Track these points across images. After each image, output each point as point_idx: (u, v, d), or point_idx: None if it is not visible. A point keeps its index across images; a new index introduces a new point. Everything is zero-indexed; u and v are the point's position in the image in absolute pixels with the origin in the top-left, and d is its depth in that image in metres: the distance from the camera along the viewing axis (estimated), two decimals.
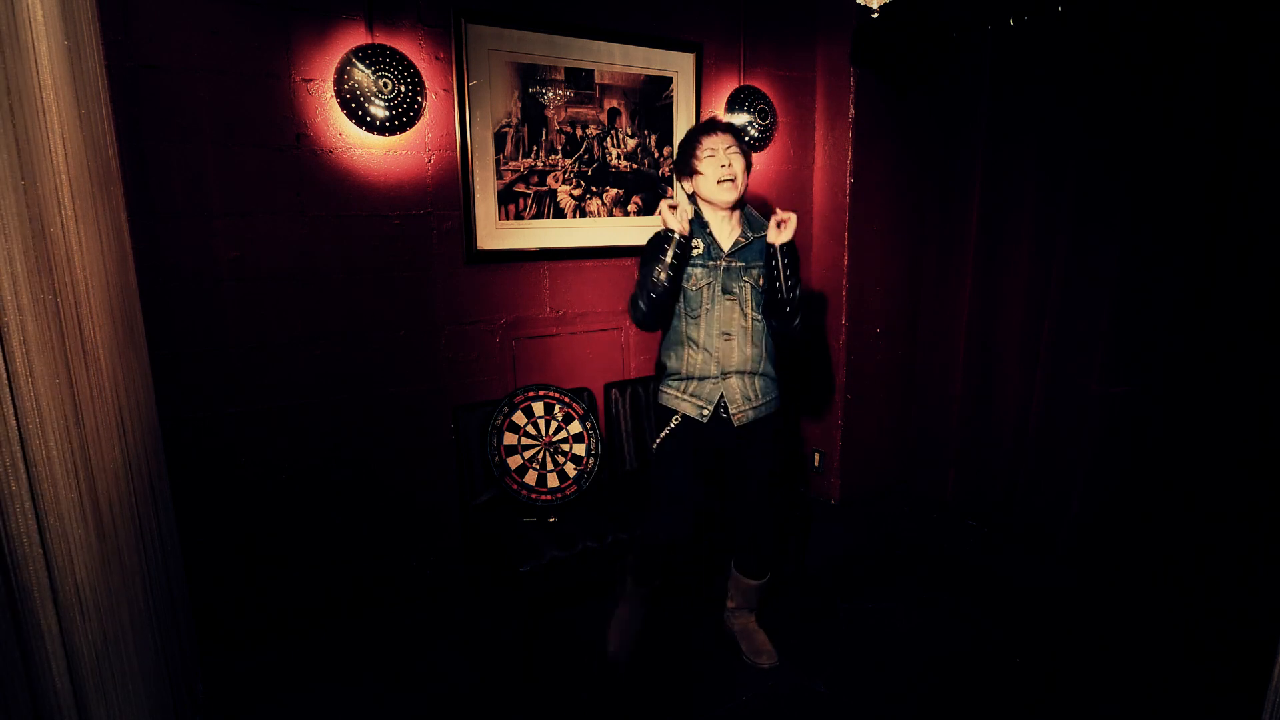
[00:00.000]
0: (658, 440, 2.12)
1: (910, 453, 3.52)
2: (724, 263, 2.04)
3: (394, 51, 2.24)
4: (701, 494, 2.16)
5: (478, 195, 2.52)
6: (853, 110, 3.07)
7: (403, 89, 2.26)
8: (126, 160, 1.93)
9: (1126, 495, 2.67)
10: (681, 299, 2.06)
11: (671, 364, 2.12)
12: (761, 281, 2.06)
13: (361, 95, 2.21)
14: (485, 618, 2.49)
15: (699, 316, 2.06)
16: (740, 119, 2.97)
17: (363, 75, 2.20)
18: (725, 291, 2.04)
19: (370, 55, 2.21)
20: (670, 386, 2.13)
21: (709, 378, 2.07)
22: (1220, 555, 2.44)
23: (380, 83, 2.22)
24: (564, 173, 2.68)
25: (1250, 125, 2.23)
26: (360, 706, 2.06)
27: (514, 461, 2.49)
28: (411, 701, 2.08)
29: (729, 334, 2.06)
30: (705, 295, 2.05)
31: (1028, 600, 2.57)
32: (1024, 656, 2.25)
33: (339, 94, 2.20)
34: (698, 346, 2.07)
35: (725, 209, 2.04)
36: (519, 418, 2.53)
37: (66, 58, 1.33)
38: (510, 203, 2.59)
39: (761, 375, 2.12)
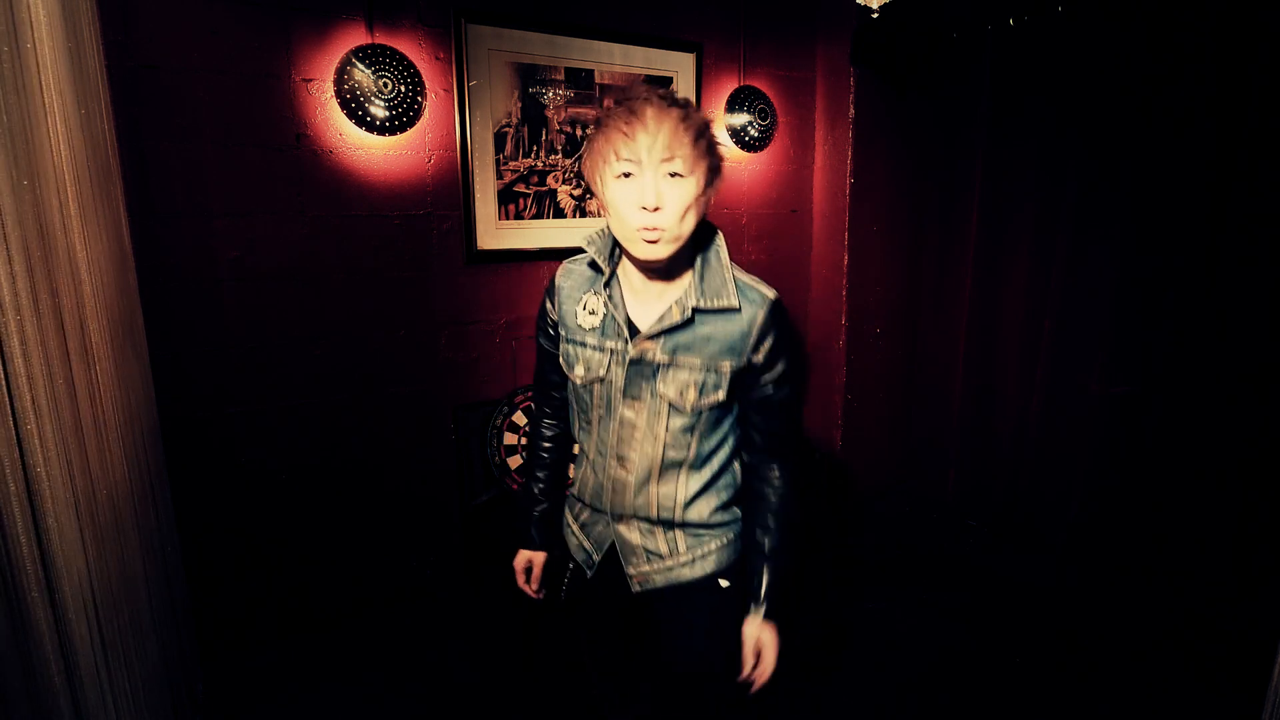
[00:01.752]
0: (564, 585, 1.42)
1: (910, 453, 3.52)
2: (632, 349, 1.19)
3: (394, 51, 2.24)
4: (627, 655, 1.43)
5: (478, 195, 2.52)
6: (853, 110, 3.07)
7: (403, 89, 2.26)
8: (126, 160, 1.93)
9: (1127, 495, 2.67)
10: (569, 389, 1.33)
11: (572, 470, 1.40)
12: (692, 395, 1.19)
13: (361, 95, 2.21)
14: (485, 617, 2.49)
15: (590, 422, 1.28)
16: (740, 119, 2.97)
17: (363, 75, 2.20)
18: (628, 395, 1.21)
19: (370, 55, 2.21)
20: (568, 503, 1.43)
21: (600, 512, 1.32)
22: (1220, 555, 2.44)
23: (380, 83, 2.22)
24: (564, 173, 2.68)
25: (1252, 124, 2.23)
26: (360, 706, 2.07)
27: (514, 461, 2.49)
28: (412, 701, 2.08)
29: (625, 459, 1.24)
30: (597, 393, 1.25)
31: (1028, 600, 2.57)
32: (1024, 656, 2.25)
33: (339, 94, 2.20)
34: (588, 462, 1.31)
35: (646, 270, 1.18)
36: (519, 418, 2.53)
37: (67, 58, 1.32)
38: (510, 203, 2.59)
39: (684, 526, 1.26)
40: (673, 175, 1.08)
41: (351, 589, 2.51)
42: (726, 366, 1.18)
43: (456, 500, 2.63)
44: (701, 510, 1.26)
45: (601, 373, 1.23)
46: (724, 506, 1.28)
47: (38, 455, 1.03)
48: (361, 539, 2.50)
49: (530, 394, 2.55)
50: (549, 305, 1.32)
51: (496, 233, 2.58)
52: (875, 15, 2.18)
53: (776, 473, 1.26)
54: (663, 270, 1.18)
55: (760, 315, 1.17)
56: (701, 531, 1.27)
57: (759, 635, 1.23)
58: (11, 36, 1.04)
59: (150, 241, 2.05)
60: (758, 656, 1.23)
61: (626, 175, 1.09)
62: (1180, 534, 2.53)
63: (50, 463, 1.06)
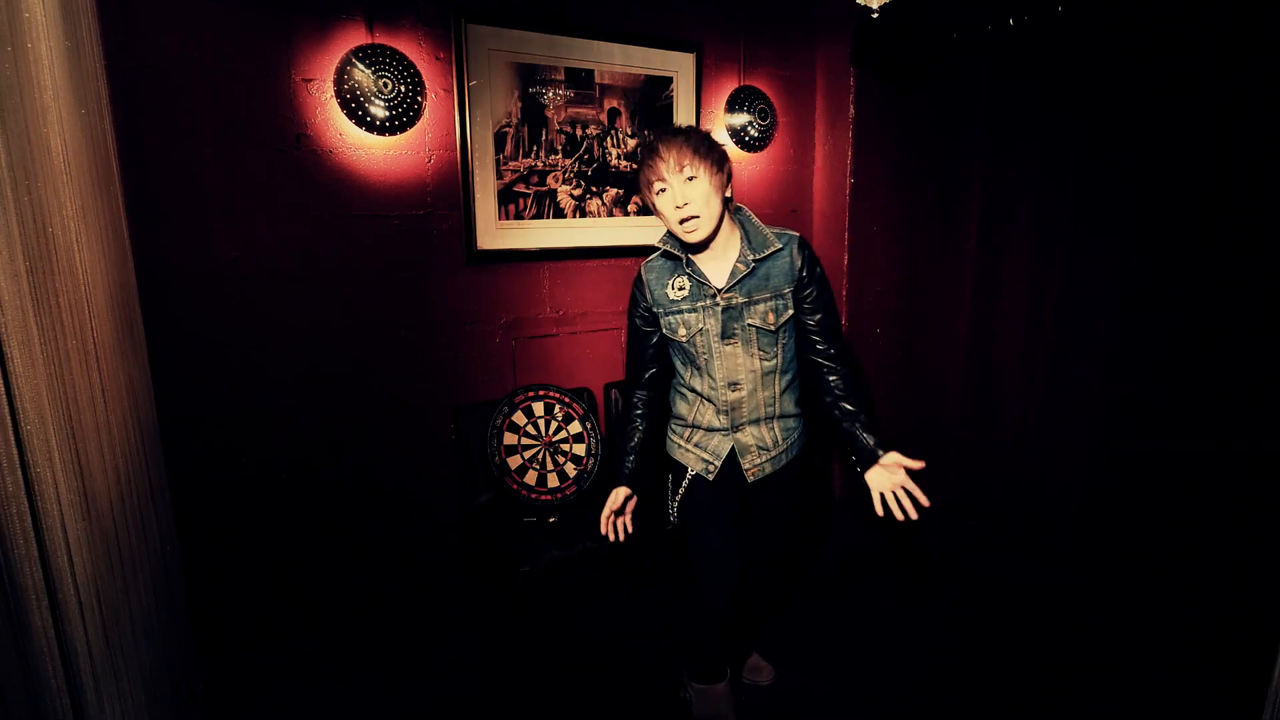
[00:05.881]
0: (677, 498, 1.86)
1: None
2: (719, 301, 1.68)
3: (394, 51, 2.24)
4: (736, 542, 1.86)
5: (478, 195, 2.52)
6: (852, 110, 3.07)
7: (403, 89, 2.26)
8: (126, 160, 1.93)
9: (1127, 496, 2.67)
10: (674, 351, 1.79)
11: (678, 408, 1.86)
12: (772, 317, 1.70)
13: (361, 95, 2.21)
14: (485, 618, 2.49)
15: (700, 367, 1.75)
16: (740, 119, 2.97)
17: (363, 75, 2.20)
18: (725, 336, 1.70)
19: (370, 55, 2.21)
20: (675, 433, 1.87)
21: (717, 430, 1.78)
22: (1220, 556, 2.44)
23: (380, 83, 2.22)
24: (564, 173, 2.68)
25: (1252, 124, 2.23)
26: (360, 706, 2.07)
27: (514, 461, 2.49)
28: (411, 701, 2.08)
29: (737, 384, 1.73)
30: (699, 344, 1.72)
31: (1027, 601, 2.57)
32: (1023, 657, 2.25)
33: (339, 94, 2.20)
34: (703, 399, 1.78)
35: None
36: (519, 418, 2.53)
37: (67, 59, 1.33)
38: (510, 203, 2.59)
39: (781, 418, 1.80)
40: (689, 179, 1.58)
41: (351, 588, 2.51)
42: (787, 290, 1.70)
43: (456, 500, 2.63)
44: (788, 403, 1.81)
45: (700, 325, 1.70)
46: (798, 401, 1.85)
47: (40, 454, 1.03)
48: (361, 539, 2.50)
49: (530, 394, 2.56)
50: (641, 295, 1.76)
51: (496, 233, 2.58)
52: (875, 15, 2.18)
53: (839, 361, 1.74)
54: (713, 244, 1.66)
55: (795, 247, 1.70)
56: (790, 420, 1.83)
57: (886, 475, 1.84)
58: (11, 37, 1.04)
59: (150, 241, 2.05)
60: (893, 493, 1.83)
61: (662, 191, 1.61)
62: (1180, 534, 2.53)
63: (52, 462, 1.06)
